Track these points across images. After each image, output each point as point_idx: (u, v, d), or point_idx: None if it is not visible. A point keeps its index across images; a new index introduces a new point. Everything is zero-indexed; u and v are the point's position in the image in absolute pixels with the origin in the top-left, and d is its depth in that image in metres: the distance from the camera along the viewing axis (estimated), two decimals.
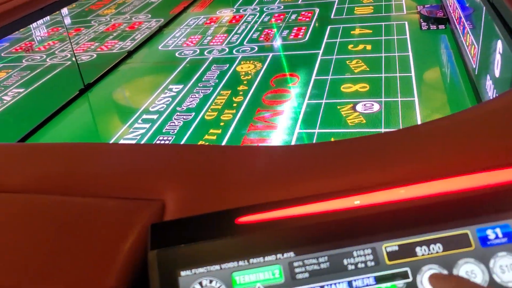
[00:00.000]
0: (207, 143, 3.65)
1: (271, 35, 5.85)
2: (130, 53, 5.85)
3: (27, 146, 1.61)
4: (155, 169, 1.29)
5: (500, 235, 0.68)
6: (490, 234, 0.68)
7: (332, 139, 3.52)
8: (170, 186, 1.18)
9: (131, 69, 5.53)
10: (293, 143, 3.52)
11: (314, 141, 3.51)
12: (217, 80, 4.77)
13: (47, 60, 5.84)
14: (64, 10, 5.40)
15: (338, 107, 3.95)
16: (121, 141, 3.85)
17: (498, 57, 3.09)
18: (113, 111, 4.54)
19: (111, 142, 3.85)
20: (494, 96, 3.17)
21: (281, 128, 3.76)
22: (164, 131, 3.93)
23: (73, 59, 5.03)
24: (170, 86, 4.79)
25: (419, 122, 3.60)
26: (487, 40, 3.48)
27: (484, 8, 3.51)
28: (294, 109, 4.01)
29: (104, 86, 5.06)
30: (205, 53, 5.58)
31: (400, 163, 1.11)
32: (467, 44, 4.27)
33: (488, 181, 0.83)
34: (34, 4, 4.17)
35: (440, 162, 1.07)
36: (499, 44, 3.05)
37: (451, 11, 5.21)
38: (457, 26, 4.81)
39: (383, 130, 3.55)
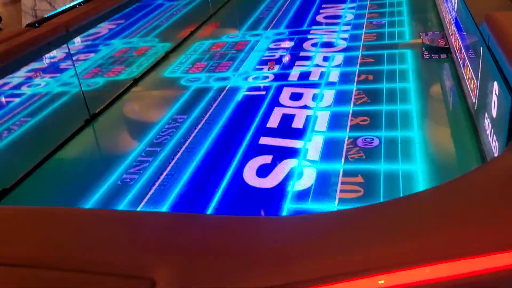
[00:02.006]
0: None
1: (276, 64, 5.92)
2: (136, 81, 5.95)
3: (22, 210, 1.65)
4: (146, 242, 1.33)
5: None
6: None
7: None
8: (160, 262, 1.22)
9: (136, 98, 5.63)
10: (295, 180, 3.57)
11: (315, 177, 3.57)
12: (221, 111, 4.85)
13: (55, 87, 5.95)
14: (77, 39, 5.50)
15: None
16: (124, 176, 3.92)
17: (494, 98, 3.13)
18: (118, 143, 4.62)
19: (114, 176, 3.92)
20: (491, 135, 3.22)
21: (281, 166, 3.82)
22: (167, 165, 4.00)
23: (80, 89, 5.12)
24: (175, 117, 4.87)
25: (417, 158, 3.64)
26: (485, 78, 3.52)
27: (481, 47, 3.57)
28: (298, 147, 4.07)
29: (110, 116, 5.16)
30: (211, 80, 5.66)
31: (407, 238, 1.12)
32: (467, 77, 4.32)
33: None
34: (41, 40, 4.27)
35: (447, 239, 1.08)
36: (495, 86, 3.09)
37: (452, 41, 5.26)
38: (458, 56, 4.86)
39: (382, 165, 3.60)
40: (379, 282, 1.02)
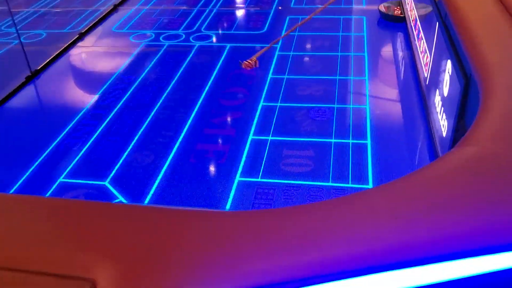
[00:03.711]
0: (150, 153, 3.59)
1: (229, 23, 5.73)
2: (82, 35, 5.62)
3: None
4: (86, 238, 1.23)
5: None
6: None
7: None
8: (102, 262, 1.13)
9: (81, 54, 5.33)
10: (246, 151, 3.51)
11: (266, 148, 3.52)
12: (171, 72, 4.67)
13: None
14: None
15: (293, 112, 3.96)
16: (67, 141, 3.73)
17: (447, 77, 3.14)
18: (61, 104, 4.37)
19: (57, 140, 3.72)
20: (440, 113, 3.25)
21: (236, 135, 3.73)
22: (113, 130, 3.83)
23: (19, 41, 4.77)
24: (122, 77, 4.65)
25: (368, 131, 3.65)
26: (439, 54, 3.52)
27: (437, 23, 3.55)
28: (249, 112, 3.98)
29: (53, 73, 4.86)
30: (161, 38, 5.43)
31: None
32: (421, 50, 4.32)
33: None
34: None
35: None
36: (449, 65, 3.09)
37: (408, 10, 5.24)
38: (413, 28, 4.85)
39: (333, 139, 3.59)
40: None
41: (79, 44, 5.47)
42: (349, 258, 1.05)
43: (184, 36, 5.45)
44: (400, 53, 4.93)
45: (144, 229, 1.28)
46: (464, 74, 2.64)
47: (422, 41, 4.26)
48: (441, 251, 1.03)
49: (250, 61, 3.64)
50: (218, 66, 4.72)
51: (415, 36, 4.66)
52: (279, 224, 1.24)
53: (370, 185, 3.09)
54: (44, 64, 4.91)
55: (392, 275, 0.96)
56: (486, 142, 1.55)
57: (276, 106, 4.04)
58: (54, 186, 3.23)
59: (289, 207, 1.42)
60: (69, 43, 5.37)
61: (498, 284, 0.98)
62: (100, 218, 1.34)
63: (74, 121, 3.97)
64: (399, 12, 5.54)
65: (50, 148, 3.64)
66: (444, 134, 3.09)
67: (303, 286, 0.95)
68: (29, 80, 4.66)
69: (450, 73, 3.05)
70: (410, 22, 5.03)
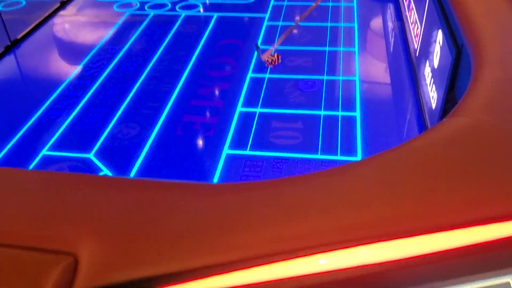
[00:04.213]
0: (135, 126, 3.52)
1: None
2: (63, 3, 5.45)
3: None
4: (70, 214, 1.18)
5: None
6: None
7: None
8: (86, 237, 1.09)
9: (63, 23, 5.17)
10: (234, 123, 3.45)
11: (255, 121, 3.46)
12: (157, 42, 4.55)
13: None
14: None
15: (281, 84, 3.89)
16: (50, 112, 3.63)
17: (437, 48, 3.10)
18: (43, 75, 4.25)
19: (40, 112, 3.63)
20: (430, 84, 3.21)
21: (223, 107, 3.67)
22: (97, 101, 3.75)
23: None
24: (106, 47, 4.53)
25: (357, 103, 3.61)
26: (429, 25, 3.47)
27: None
28: (237, 84, 3.91)
29: (34, 43, 4.72)
30: (146, 7, 5.28)
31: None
32: (411, 21, 4.26)
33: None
34: None
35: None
36: (440, 35, 3.04)
37: None
38: None
39: (322, 111, 3.54)
40: (320, 262, 0.93)
41: (61, 13, 5.30)
42: (338, 230, 1.02)
43: (170, 5, 5.31)
44: (391, 24, 4.86)
45: (128, 202, 1.24)
46: (455, 44, 2.59)
47: (413, 11, 4.19)
48: (432, 222, 1.01)
49: (272, 58, 3.53)
50: (205, 37, 4.62)
51: (406, 6, 4.59)
52: (267, 196, 1.20)
53: (359, 158, 3.07)
54: (24, 34, 4.76)
55: (383, 245, 0.93)
56: (477, 112, 1.51)
57: (265, 77, 3.97)
58: (37, 159, 3.16)
59: (277, 179, 1.38)
60: (50, 12, 5.20)
61: (489, 254, 0.95)
62: (84, 191, 1.30)
63: (57, 92, 3.87)
64: None
65: (33, 120, 3.55)
66: (433, 106, 3.06)
67: (292, 258, 0.91)
68: (9, 50, 4.52)
69: (441, 44, 3.01)
70: None
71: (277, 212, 1.13)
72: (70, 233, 1.12)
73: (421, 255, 0.95)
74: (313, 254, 0.92)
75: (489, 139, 1.33)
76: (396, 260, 0.94)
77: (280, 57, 3.62)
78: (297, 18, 4.80)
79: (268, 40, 4.51)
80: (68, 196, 1.28)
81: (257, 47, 3.67)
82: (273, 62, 3.61)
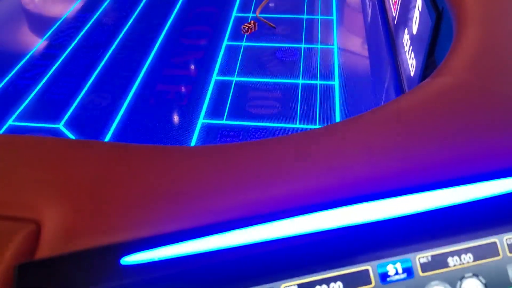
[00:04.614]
0: (107, 95, 3.39)
1: None
2: None
3: None
4: (31, 177, 1.11)
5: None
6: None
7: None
8: (49, 201, 1.02)
9: None
10: (209, 92, 3.36)
11: (231, 90, 3.38)
12: (129, 10, 4.39)
13: None
14: None
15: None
16: (17, 81, 3.48)
17: (417, 14, 3.04)
18: (8, 44, 4.06)
19: (5, 81, 3.47)
20: (409, 52, 3.17)
21: (198, 75, 3.56)
22: (67, 70, 3.60)
23: None
24: (76, 15, 4.35)
25: (336, 72, 3.55)
26: None
27: None
28: (212, 52, 3.80)
29: (0, 9, 4.51)
30: None
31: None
32: None
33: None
34: None
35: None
36: (419, 1, 2.98)
37: None
38: None
39: (300, 80, 3.47)
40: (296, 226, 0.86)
41: None
42: (320, 190, 0.96)
43: None
44: None
45: (94, 165, 1.15)
46: (435, 8, 2.53)
47: None
48: (416, 182, 0.96)
49: (248, 25, 3.40)
50: (179, 4, 4.46)
51: None
52: (245, 157, 1.14)
53: None
54: None
55: (368, 206, 0.89)
56: (461, 72, 1.46)
57: (241, 45, 3.87)
58: (3, 129, 3.03)
59: (255, 141, 1.31)
60: None
61: (475, 213, 0.91)
62: (46, 154, 1.20)
63: (24, 60, 3.70)
64: None
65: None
66: (412, 73, 3.02)
67: (271, 221, 0.85)
68: None
69: (420, 9, 2.95)
70: None
71: (254, 175, 1.06)
72: (31, 198, 1.03)
73: (405, 216, 0.90)
74: (295, 215, 0.87)
75: (474, 99, 1.29)
76: (378, 222, 0.89)
77: (256, 24, 3.52)
78: None
79: (245, 8, 4.39)
80: (28, 159, 1.19)
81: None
82: (249, 30, 3.51)
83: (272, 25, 3.67)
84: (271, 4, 4.46)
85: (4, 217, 0.97)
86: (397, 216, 0.89)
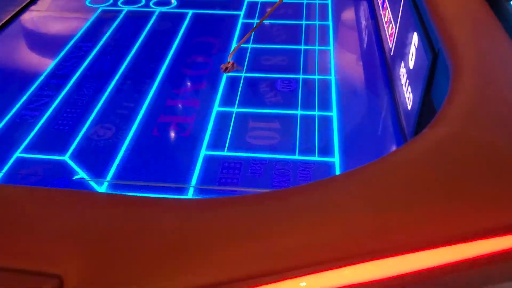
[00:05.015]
0: (112, 126, 3.47)
1: None
2: None
3: None
4: (53, 229, 1.16)
5: None
6: None
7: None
8: (70, 255, 1.07)
9: (34, 19, 5.04)
10: (211, 123, 3.44)
11: (232, 121, 3.46)
12: (132, 40, 4.48)
13: None
14: None
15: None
16: (23, 112, 3.55)
17: (413, 49, 3.14)
18: (14, 74, 4.14)
19: (12, 112, 3.54)
20: (406, 85, 3.26)
21: (200, 106, 3.64)
22: (72, 101, 3.67)
23: None
24: (79, 44, 4.44)
25: (333, 102, 3.64)
26: (405, 26, 3.51)
27: None
28: (213, 83, 3.89)
29: (4, 40, 4.58)
30: (119, 3, 5.19)
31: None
32: (385, 20, 4.31)
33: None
34: None
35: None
36: (415, 37, 3.09)
37: None
38: None
39: (299, 111, 3.56)
40: (301, 284, 0.93)
41: (32, 8, 5.16)
42: (322, 248, 1.02)
43: (144, 1, 5.23)
44: (365, 23, 4.91)
45: (111, 219, 1.22)
46: (432, 49, 2.64)
47: (387, 11, 4.24)
48: (418, 238, 1.02)
49: (227, 65, 3.47)
50: (180, 34, 4.57)
51: (380, 5, 4.64)
52: (248, 211, 1.20)
53: (337, 159, 3.10)
54: None
55: (369, 265, 0.94)
56: (458, 122, 1.54)
57: (241, 76, 3.96)
58: (10, 161, 3.09)
59: (258, 194, 1.38)
60: (21, 7, 5.06)
61: (475, 270, 0.97)
62: (67, 207, 1.27)
63: (30, 91, 3.78)
64: None
65: (5, 120, 3.46)
66: (409, 107, 3.11)
67: (275, 282, 0.91)
68: None
69: (416, 46, 3.05)
70: None
71: (258, 229, 1.13)
72: (54, 253, 1.09)
73: (405, 274, 0.95)
74: (298, 276, 0.93)
75: (471, 150, 1.36)
76: (381, 280, 0.95)
77: (235, 64, 3.58)
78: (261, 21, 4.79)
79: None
80: (49, 212, 1.25)
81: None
82: (227, 70, 3.56)
83: (241, 68, 3.80)
84: (266, 24, 4.57)
85: (26, 272, 1.04)
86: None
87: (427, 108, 2.73)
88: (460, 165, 1.34)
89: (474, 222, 1.06)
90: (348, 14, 5.04)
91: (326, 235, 1.05)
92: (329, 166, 3.04)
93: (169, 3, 5.19)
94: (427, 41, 2.75)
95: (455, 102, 1.74)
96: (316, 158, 3.12)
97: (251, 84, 3.87)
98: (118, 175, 2.98)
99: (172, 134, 3.37)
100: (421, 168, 1.33)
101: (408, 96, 3.18)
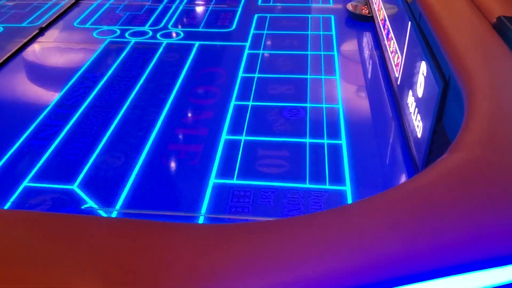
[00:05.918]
0: (120, 155, 3.46)
1: (197, 20, 5.62)
2: (42, 30, 5.38)
3: None
4: (70, 257, 1.13)
5: None
6: None
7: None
8: (90, 283, 1.05)
9: (42, 50, 5.10)
10: (219, 151, 3.43)
11: (240, 149, 3.45)
12: (140, 70, 4.52)
13: None
14: None
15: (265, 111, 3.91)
16: (31, 142, 3.54)
17: (421, 79, 3.16)
18: (22, 104, 4.16)
19: (20, 142, 3.53)
20: (414, 113, 3.27)
21: (208, 135, 3.64)
22: (80, 130, 3.68)
23: None
24: (87, 75, 4.48)
25: (342, 130, 3.64)
26: (412, 55, 3.54)
27: (410, 23, 3.57)
28: (221, 112, 3.90)
29: (12, 71, 4.63)
30: (127, 35, 5.26)
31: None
32: (391, 50, 4.35)
33: None
34: None
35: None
36: (424, 66, 3.11)
37: (376, 9, 5.28)
38: (381, 27, 4.88)
39: (308, 139, 3.56)
40: None
41: (40, 39, 5.23)
42: (344, 274, 1.00)
43: (151, 33, 5.30)
44: (370, 52, 4.96)
45: (129, 245, 1.20)
46: (442, 77, 2.65)
47: (392, 41, 4.29)
48: (439, 264, 1.00)
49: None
50: (187, 65, 4.62)
51: (384, 35, 4.70)
52: (267, 239, 1.19)
53: (348, 187, 3.08)
54: (2, 61, 4.67)
55: None
56: (476, 148, 1.53)
57: (248, 105, 3.98)
58: (18, 191, 3.06)
59: (283, 219, 1.37)
60: (28, 38, 5.13)
61: None
62: (84, 234, 1.25)
63: (38, 121, 3.78)
64: (367, 11, 5.57)
65: (13, 149, 3.45)
66: (419, 135, 3.11)
67: None
68: None
69: (425, 74, 3.07)
70: (379, 22, 5.06)
71: (272, 257, 1.11)
72: (73, 279, 1.08)
73: None
74: None
75: (492, 175, 1.35)
76: None
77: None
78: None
79: (250, 68, 4.54)
80: (67, 239, 1.23)
81: None
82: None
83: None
84: (265, 55, 4.62)
85: None
86: None
87: (439, 137, 2.73)
88: (482, 189, 1.33)
89: (499, 247, 1.04)
90: (353, 45, 5.10)
91: (343, 260, 1.03)
92: (341, 195, 3.01)
93: (176, 35, 5.26)
94: (437, 69, 2.76)
95: (472, 127, 1.74)
96: (327, 186, 3.10)
97: (259, 112, 3.88)
98: (127, 204, 2.96)
99: (181, 163, 3.36)
100: (444, 194, 1.32)
101: (417, 125, 3.18)
